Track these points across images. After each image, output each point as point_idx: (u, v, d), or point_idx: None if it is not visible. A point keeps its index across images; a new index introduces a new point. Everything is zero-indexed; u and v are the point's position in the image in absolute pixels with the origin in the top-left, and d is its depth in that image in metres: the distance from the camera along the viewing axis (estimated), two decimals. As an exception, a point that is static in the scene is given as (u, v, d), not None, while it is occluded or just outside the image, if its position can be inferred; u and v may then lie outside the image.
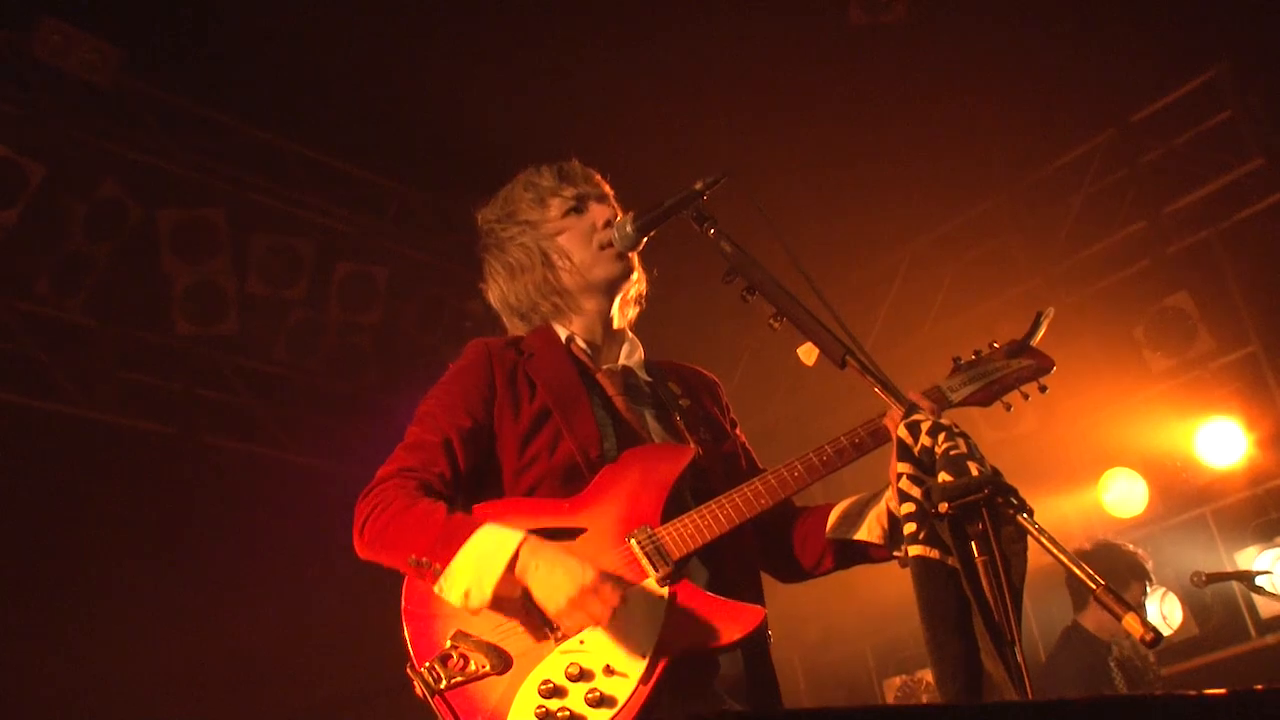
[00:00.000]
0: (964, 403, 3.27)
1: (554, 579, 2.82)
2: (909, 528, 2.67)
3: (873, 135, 8.81)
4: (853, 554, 3.32)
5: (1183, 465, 9.10)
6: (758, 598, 3.14)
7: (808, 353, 2.97)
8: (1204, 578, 5.90)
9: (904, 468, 2.74)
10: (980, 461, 2.59)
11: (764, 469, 3.26)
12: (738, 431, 3.52)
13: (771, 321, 2.98)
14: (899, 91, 8.59)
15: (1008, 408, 3.30)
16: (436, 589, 2.85)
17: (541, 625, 2.88)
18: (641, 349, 3.46)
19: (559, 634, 2.88)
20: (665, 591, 2.94)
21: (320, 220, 8.79)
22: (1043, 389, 3.31)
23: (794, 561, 3.44)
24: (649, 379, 3.43)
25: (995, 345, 3.36)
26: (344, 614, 7.65)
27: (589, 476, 3.08)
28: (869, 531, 3.25)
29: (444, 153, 8.62)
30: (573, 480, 3.09)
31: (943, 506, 2.56)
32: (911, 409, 2.80)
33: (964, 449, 2.63)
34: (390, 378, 9.19)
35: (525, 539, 2.86)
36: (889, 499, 3.16)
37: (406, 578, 2.95)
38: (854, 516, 3.29)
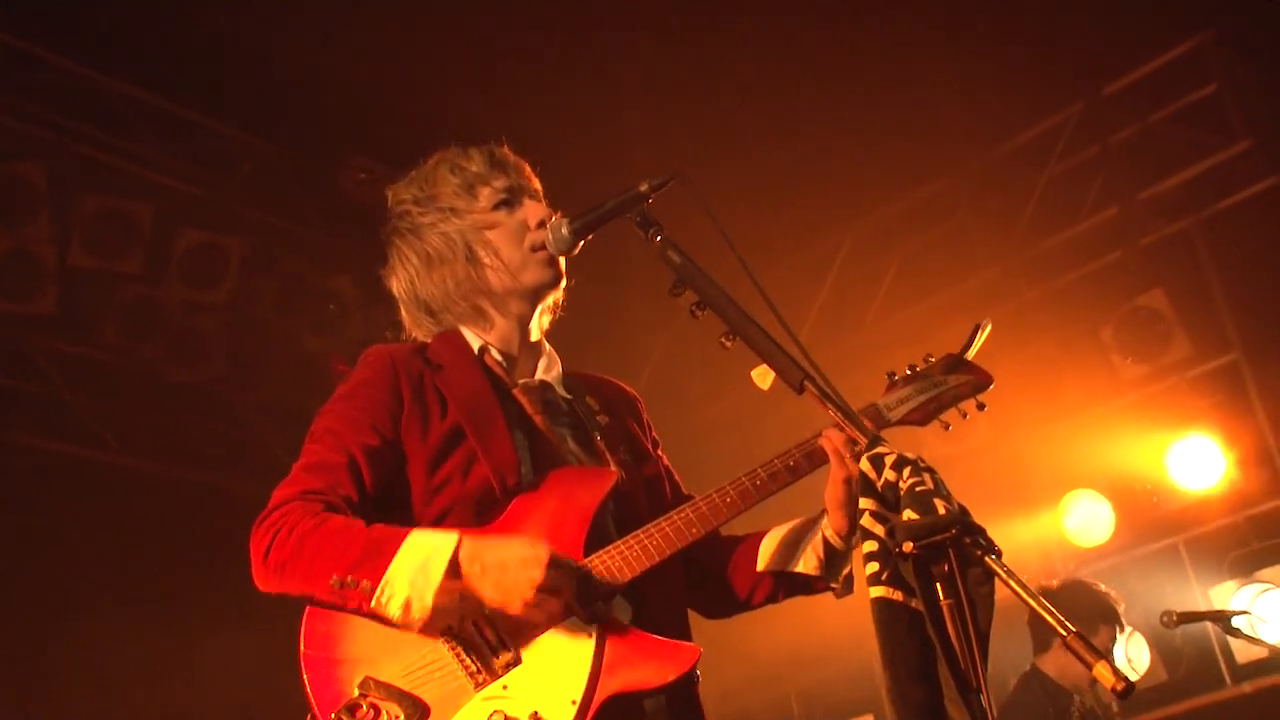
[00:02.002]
0: (901, 421, 3.43)
1: (508, 576, 2.95)
2: (871, 567, 2.79)
3: (809, 104, 8.89)
4: (789, 586, 3.47)
5: (1153, 488, 9.20)
6: (685, 635, 3.28)
7: (762, 376, 3.08)
8: (1175, 617, 5.96)
9: (867, 504, 2.84)
10: (947, 499, 2.73)
11: (689, 494, 3.43)
12: (660, 452, 3.63)
13: (723, 340, 3.08)
14: (838, 56, 8.65)
15: (945, 426, 3.46)
16: (373, 604, 2.93)
17: (470, 650, 3.01)
18: (559, 363, 3.57)
19: (480, 677, 3.00)
20: (593, 630, 3.05)
21: (160, 180, 8.55)
22: (980, 406, 3.49)
23: (724, 594, 3.57)
24: (567, 395, 3.52)
25: (931, 359, 3.52)
26: (186, 640, 7.75)
27: (504, 504, 3.18)
28: (806, 563, 3.40)
29: (311, 103, 8.55)
30: (486, 508, 3.17)
31: (907, 546, 2.67)
32: (875, 440, 2.89)
33: (930, 485, 2.77)
34: (241, 368, 9.08)
35: (461, 538, 2.97)
36: (824, 527, 3.34)
37: (305, 618, 3.02)
38: (790, 546, 3.44)
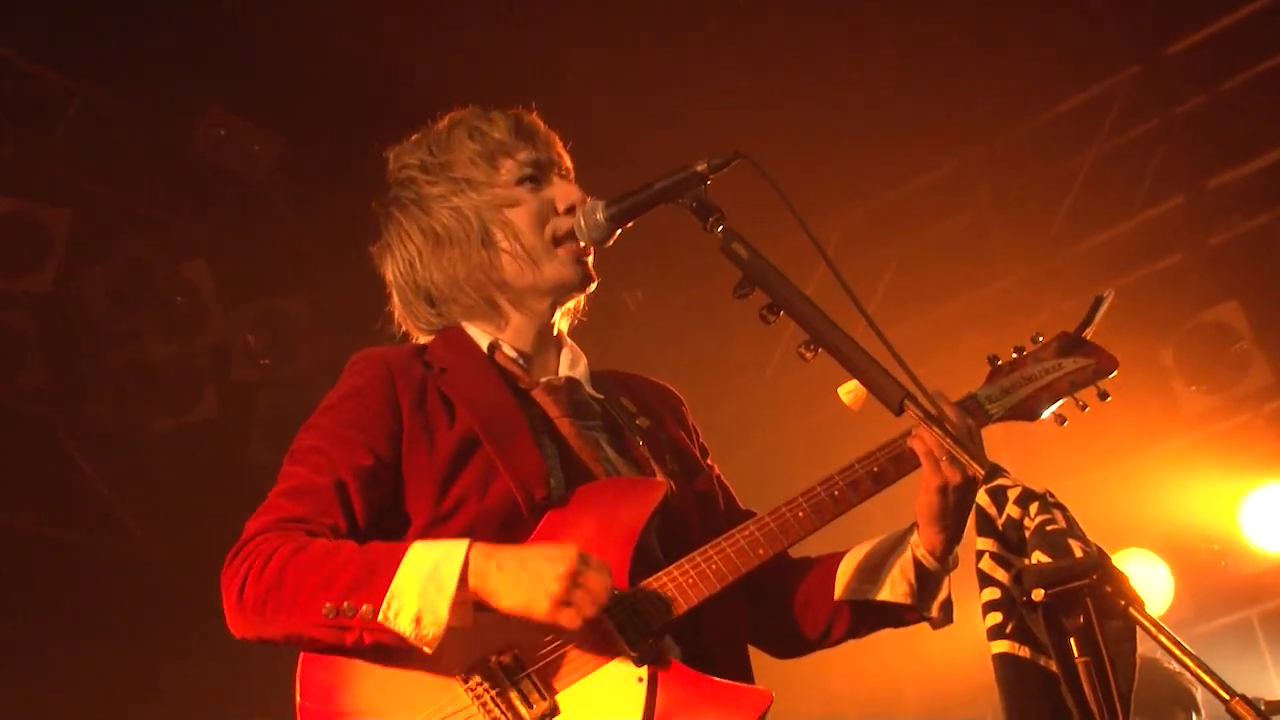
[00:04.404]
0: (1007, 416, 3.48)
1: (528, 571, 2.98)
2: (992, 618, 2.88)
3: (785, 60, 8.84)
4: (872, 617, 3.52)
5: (1222, 549, 9.11)
6: (747, 676, 3.34)
7: (852, 394, 3.17)
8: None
9: (986, 544, 2.96)
10: (1083, 539, 2.83)
11: (749, 511, 3.51)
12: (709, 461, 3.70)
13: (802, 351, 3.10)
14: (841, 7, 8.59)
15: (1060, 421, 3.53)
16: (379, 618, 2.96)
17: (499, 698, 3.05)
18: (584, 357, 3.63)
19: None
20: (643, 673, 3.08)
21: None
22: (1103, 396, 3.55)
23: (794, 630, 3.62)
24: (598, 395, 3.59)
25: (1040, 338, 3.59)
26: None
27: (531, 524, 3.22)
28: (893, 589, 3.43)
29: (156, 39, 8.33)
30: (511, 529, 3.20)
31: (1037, 594, 2.71)
32: (994, 471, 2.89)
33: (1062, 523, 2.87)
34: (62, 377, 8.81)
35: (472, 543, 3.03)
36: (914, 545, 3.38)
37: (301, 664, 3.09)
38: (872, 570, 3.48)
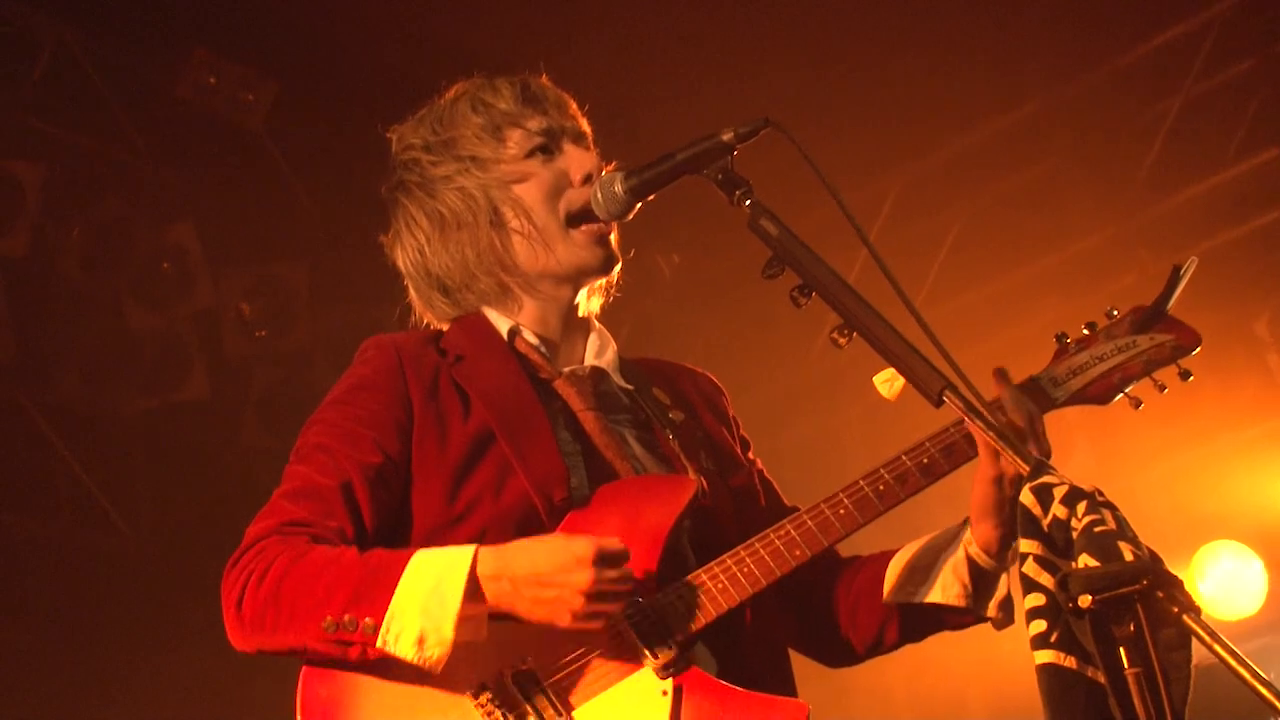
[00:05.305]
0: (1074, 399, 3.50)
1: (547, 590, 3.00)
2: (1036, 626, 2.86)
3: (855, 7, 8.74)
4: (925, 621, 3.54)
5: None
6: (787, 686, 3.35)
7: (888, 383, 3.26)
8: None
9: (1030, 546, 2.88)
10: (1134, 542, 2.76)
11: (793, 506, 3.50)
12: (750, 455, 3.72)
13: (835, 336, 3.13)
14: None
15: (1136, 405, 3.54)
16: (379, 643, 2.98)
17: (511, 715, 3.05)
18: (614, 343, 3.67)
19: None
20: (667, 685, 3.10)
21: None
22: (1184, 375, 3.54)
23: (842, 637, 3.63)
24: (627, 385, 3.62)
25: (1115, 313, 3.59)
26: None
27: (550, 526, 3.24)
28: (945, 591, 3.43)
29: None
30: (528, 533, 3.20)
31: (1084, 600, 2.67)
32: (1040, 467, 2.90)
33: (1112, 524, 2.79)
34: (34, 352, 8.60)
35: (478, 550, 3.05)
36: (968, 541, 3.41)
37: (302, 679, 3.11)
38: (923, 569, 3.50)
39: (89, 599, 8.89)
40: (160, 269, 8.65)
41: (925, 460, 3.35)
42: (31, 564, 8.74)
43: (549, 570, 3.01)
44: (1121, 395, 3.51)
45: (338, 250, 8.61)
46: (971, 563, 3.40)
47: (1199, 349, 3.51)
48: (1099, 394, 3.49)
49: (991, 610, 3.46)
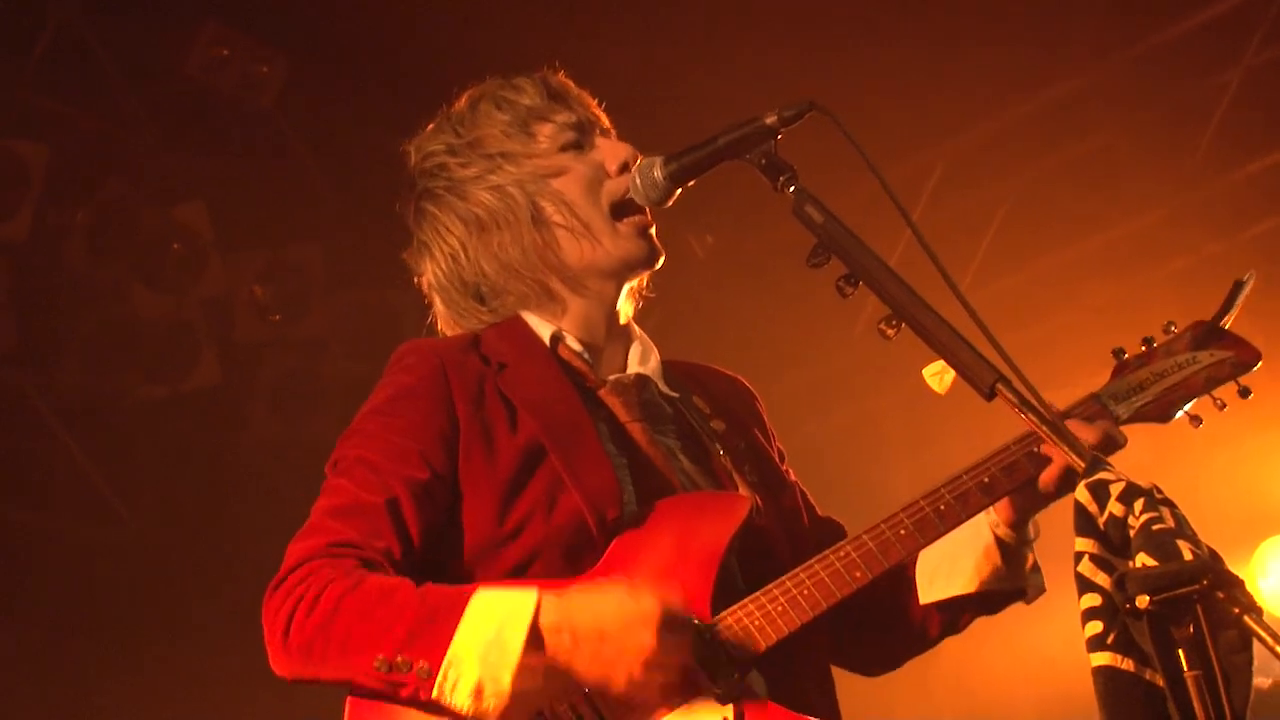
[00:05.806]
0: (1135, 418, 3.58)
1: (608, 647, 3.02)
2: (1093, 627, 2.90)
3: None
4: (962, 610, 3.63)
5: None
6: (834, 708, 3.44)
7: (939, 375, 3.32)
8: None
9: (1086, 545, 2.94)
10: (1193, 540, 2.79)
11: (827, 517, 3.69)
12: (786, 468, 3.77)
13: (883, 327, 3.18)
14: None
15: (1196, 422, 3.62)
16: (435, 694, 3.01)
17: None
18: (656, 350, 3.71)
19: None
20: (728, 712, 3.12)
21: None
22: (1244, 393, 3.63)
23: (884, 645, 3.75)
24: (672, 393, 3.67)
25: (1174, 329, 3.67)
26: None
27: (602, 545, 3.28)
28: (979, 573, 3.53)
29: None
30: (579, 553, 3.26)
31: (1142, 601, 2.70)
32: (1095, 463, 2.94)
33: (1170, 522, 2.82)
34: (38, 339, 8.71)
35: (541, 598, 3.06)
36: (994, 524, 3.50)
37: (348, 708, 3.16)
38: (949, 566, 3.58)
39: (92, 592, 8.96)
40: (169, 251, 8.69)
41: (986, 479, 3.40)
42: (33, 556, 8.81)
43: (613, 627, 3.04)
44: (1181, 413, 3.58)
45: (353, 230, 8.62)
46: (1001, 543, 3.49)
47: (1259, 365, 3.59)
48: (1160, 412, 3.56)
49: (1025, 585, 3.56)
